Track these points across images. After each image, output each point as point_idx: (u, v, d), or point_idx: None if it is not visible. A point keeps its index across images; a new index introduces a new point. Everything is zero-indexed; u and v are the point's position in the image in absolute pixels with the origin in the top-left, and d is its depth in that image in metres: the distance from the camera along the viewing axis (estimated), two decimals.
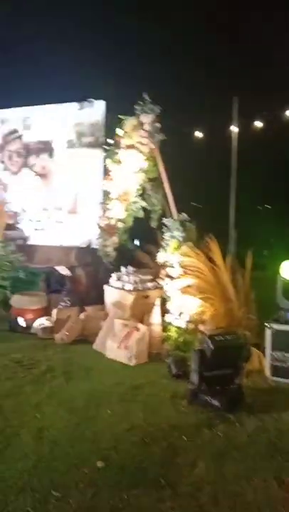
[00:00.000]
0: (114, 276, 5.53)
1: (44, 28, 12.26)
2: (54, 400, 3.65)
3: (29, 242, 7.60)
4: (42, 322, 5.63)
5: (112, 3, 12.96)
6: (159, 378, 4.18)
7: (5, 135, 8.06)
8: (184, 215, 5.32)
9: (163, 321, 5.05)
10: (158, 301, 5.14)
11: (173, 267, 5.10)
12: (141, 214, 5.84)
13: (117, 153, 5.75)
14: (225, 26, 13.27)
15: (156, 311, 5.09)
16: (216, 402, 3.50)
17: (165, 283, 5.15)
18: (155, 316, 5.06)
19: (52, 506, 2.36)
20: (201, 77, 13.09)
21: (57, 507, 2.36)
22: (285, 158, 12.83)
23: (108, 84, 8.76)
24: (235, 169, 10.66)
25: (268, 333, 4.27)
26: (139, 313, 5.08)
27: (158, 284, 5.29)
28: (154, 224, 5.79)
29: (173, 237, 5.20)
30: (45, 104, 7.76)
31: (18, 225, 7.74)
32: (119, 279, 5.46)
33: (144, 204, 5.79)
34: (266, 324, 4.30)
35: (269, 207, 16.18)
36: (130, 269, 5.46)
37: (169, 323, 4.99)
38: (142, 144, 5.52)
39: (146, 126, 5.49)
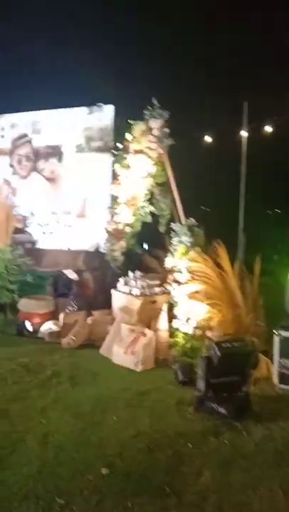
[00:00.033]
0: (121, 280, 5.52)
1: (54, 34, 12.36)
2: (60, 405, 3.64)
3: (37, 246, 7.63)
4: (49, 326, 5.64)
5: (123, 7, 13.04)
6: (165, 384, 4.15)
7: (14, 139, 8.12)
8: (192, 220, 5.30)
9: (170, 326, 5.02)
10: (165, 307, 5.12)
11: (181, 272, 5.08)
12: (149, 219, 5.83)
13: (125, 157, 5.76)
14: (235, 29, 13.26)
15: (164, 316, 5.07)
16: (222, 410, 3.47)
17: (172, 288, 5.13)
18: (162, 322, 5.04)
19: None
20: (211, 82, 13.08)
21: None
22: None
23: (117, 89, 8.80)
24: (245, 174, 10.62)
25: (276, 340, 4.22)
26: (146, 318, 5.07)
27: (165, 289, 5.28)
28: (162, 229, 5.78)
29: (181, 242, 5.19)
30: (54, 108, 7.81)
31: (26, 229, 7.78)
32: (126, 283, 5.45)
33: (152, 209, 5.79)
34: (274, 331, 4.26)
35: (279, 211, 16.08)
36: (138, 274, 5.45)
37: (176, 329, 4.96)
38: (151, 149, 5.52)
39: (155, 132, 5.49)
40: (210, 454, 2.99)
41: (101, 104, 7.29)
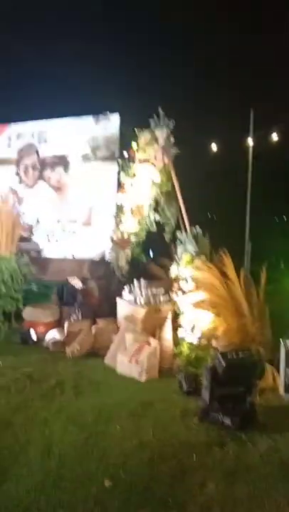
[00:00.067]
0: (126, 289, 5.51)
1: (61, 44, 12.50)
2: (63, 415, 3.62)
3: (43, 254, 7.65)
4: (53, 335, 5.63)
5: (129, 18, 13.20)
6: (169, 394, 4.11)
7: (21, 149, 8.18)
8: (198, 229, 5.29)
9: (175, 335, 4.99)
10: (170, 316, 5.09)
11: (186, 280, 5.06)
12: (154, 228, 5.83)
13: (131, 167, 5.78)
14: (241, 38, 13.35)
15: (168, 325, 5.04)
16: (227, 421, 3.42)
17: (177, 297, 5.11)
18: (167, 331, 5.01)
19: None
20: (217, 90, 13.14)
21: None
22: None
23: (123, 98, 8.86)
24: (251, 182, 10.60)
25: (283, 349, 4.17)
26: (151, 327, 5.04)
27: (170, 297, 5.25)
28: (167, 237, 5.77)
29: (186, 250, 5.17)
30: (60, 118, 7.87)
31: (32, 237, 7.81)
32: (131, 292, 5.43)
33: (157, 217, 5.78)
34: (281, 340, 4.21)
35: (285, 219, 16.03)
36: (143, 282, 5.43)
37: (181, 338, 4.92)
38: (156, 158, 5.53)
39: (161, 141, 5.50)
40: (214, 465, 2.95)
41: (107, 112, 7.32)
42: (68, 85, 11.66)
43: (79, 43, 12.51)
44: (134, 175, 5.79)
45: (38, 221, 7.92)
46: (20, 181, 8.22)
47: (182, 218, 5.51)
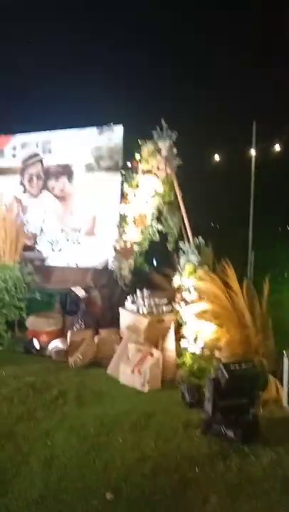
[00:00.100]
0: (129, 299, 5.51)
1: (65, 56, 12.64)
2: (65, 426, 3.61)
3: (47, 263, 7.67)
4: (56, 344, 5.62)
5: (132, 28, 13.33)
6: (172, 406, 4.09)
7: (25, 158, 8.24)
8: (200, 239, 5.30)
9: (178, 346, 4.98)
10: (173, 326, 5.08)
11: (188, 291, 5.06)
12: (157, 237, 5.85)
13: (134, 177, 5.81)
14: (245, 49, 13.45)
15: (171, 335, 5.03)
16: (230, 433, 3.40)
17: (180, 307, 5.10)
18: (170, 341, 5.00)
19: None
20: (220, 102, 13.22)
21: None
22: None
23: (126, 109, 8.93)
24: (254, 193, 10.61)
25: (286, 360, 4.15)
26: (154, 337, 5.03)
27: (173, 308, 5.25)
28: (170, 247, 5.78)
29: (189, 261, 5.18)
30: (65, 128, 7.93)
31: (36, 246, 7.84)
32: (134, 302, 5.43)
33: (160, 227, 5.80)
34: (284, 352, 4.19)
35: None
36: (145, 292, 5.43)
37: (184, 349, 4.91)
38: (159, 168, 5.56)
39: (163, 152, 5.54)
40: (217, 479, 2.93)
41: (111, 124, 7.39)
42: (73, 97, 11.77)
43: (84, 55, 12.65)
44: (137, 186, 5.81)
45: (41, 230, 7.97)
46: (25, 190, 8.27)
47: (185, 228, 5.53)
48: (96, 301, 6.10)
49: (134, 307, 5.37)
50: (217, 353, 4.61)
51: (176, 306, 5.18)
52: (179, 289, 5.20)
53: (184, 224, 5.54)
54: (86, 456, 3.15)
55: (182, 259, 5.23)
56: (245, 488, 2.83)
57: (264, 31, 12.85)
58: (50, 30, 12.58)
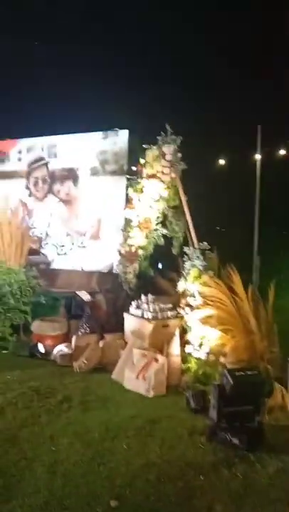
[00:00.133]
0: (133, 304, 5.50)
1: (71, 60, 12.70)
2: (70, 431, 3.59)
3: (52, 267, 7.69)
4: (61, 349, 5.62)
5: (138, 33, 13.39)
6: (177, 412, 4.07)
7: (31, 162, 8.28)
8: (205, 244, 5.29)
9: (183, 351, 4.96)
10: (178, 331, 5.07)
11: (193, 296, 5.04)
12: (161, 241, 5.84)
13: (139, 182, 5.82)
14: (248, 52, 13.48)
15: (176, 341, 5.01)
16: (235, 440, 3.38)
17: (185, 312, 5.09)
18: (175, 346, 4.98)
19: None
20: (224, 105, 13.23)
21: None
22: None
23: (132, 114, 8.95)
24: (259, 197, 10.60)
25: None
26: (159, 342, 5.01)
27: (178, 313, 5.23)
28: (175, 251, 5.78)
29: (193, 265, 5.17)
30: (70, 133, 7.97)
31: (42, 250, 7.86)
32: (138, 307, 5.42)
33: (165, 232, 5.80)
34: None
35: None
36: (150, 297, 5.42)
37: (189, 354, 4.89)
38: (164, 173, 5.56)
39: (168, 157, 5.54)
40: (222, 487, 2.91)
41: (116, 128, 7.41)
42: (79, 102, 11.82)
43: (89, 60, 12.71)
44: (141, 190, 5.82)
45: (47, 234, 7.99)
46: (30, 194, 8.31)
47: (190, 233, 5.53)
48: (101, 305, 6.10)
49: (138, 312, 5.35)
50: (222, 359, 4.59)
51: (181, 312, 5.16)
52: (184, 294, 5.19)
53: (189, 228, 5.53)
54: (91, 461, 3.13)
55: (187, 264, 5.22)
56: (251, 497, 2.80)
57: (265, 32, 12.87)
58: (57, 34, 12.66)
